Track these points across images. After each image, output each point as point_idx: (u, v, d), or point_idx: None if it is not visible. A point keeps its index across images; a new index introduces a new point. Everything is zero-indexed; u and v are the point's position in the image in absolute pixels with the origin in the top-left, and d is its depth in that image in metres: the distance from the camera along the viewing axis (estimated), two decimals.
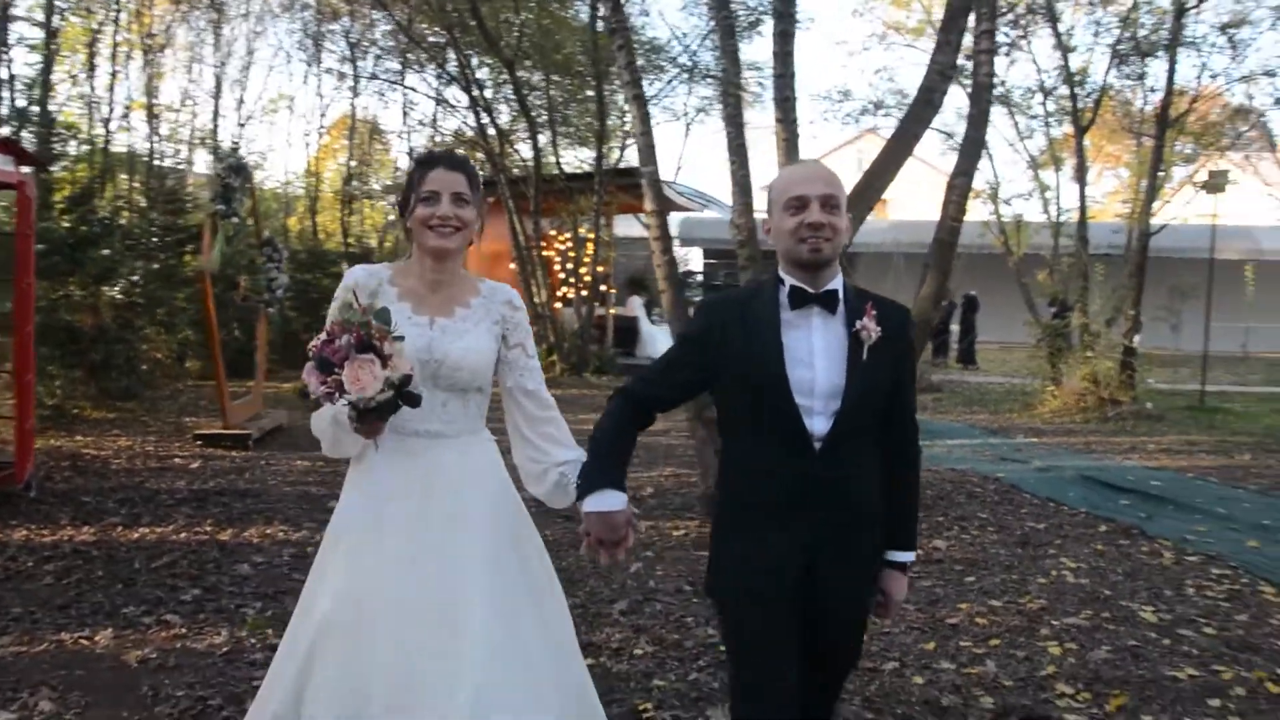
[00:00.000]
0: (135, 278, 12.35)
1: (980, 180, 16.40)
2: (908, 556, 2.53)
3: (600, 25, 16.76)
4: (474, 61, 18.84)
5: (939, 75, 6.49)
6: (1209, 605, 5.20)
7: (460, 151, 2.76)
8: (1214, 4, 16.94)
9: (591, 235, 18.84)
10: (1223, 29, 16.96)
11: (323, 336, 2.26)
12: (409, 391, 2.26)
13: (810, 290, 2.36)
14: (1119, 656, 4.42)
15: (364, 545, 2.45)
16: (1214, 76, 17.62)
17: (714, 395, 2.51)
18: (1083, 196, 16.70)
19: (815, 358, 2.34)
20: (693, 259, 33.58)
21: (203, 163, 22.90)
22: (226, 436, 9.26)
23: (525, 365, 2.66)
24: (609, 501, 2.35)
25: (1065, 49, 16.56)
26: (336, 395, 2.21)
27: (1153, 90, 18.70)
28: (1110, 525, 6.93)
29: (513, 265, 18.66)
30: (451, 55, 18.83)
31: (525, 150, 19.65)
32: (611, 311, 20.22)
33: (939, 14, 23.99)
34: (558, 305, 19.15)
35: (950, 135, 18.11)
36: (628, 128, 21.61)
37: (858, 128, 27.94)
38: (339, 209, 23.97)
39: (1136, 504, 7.62)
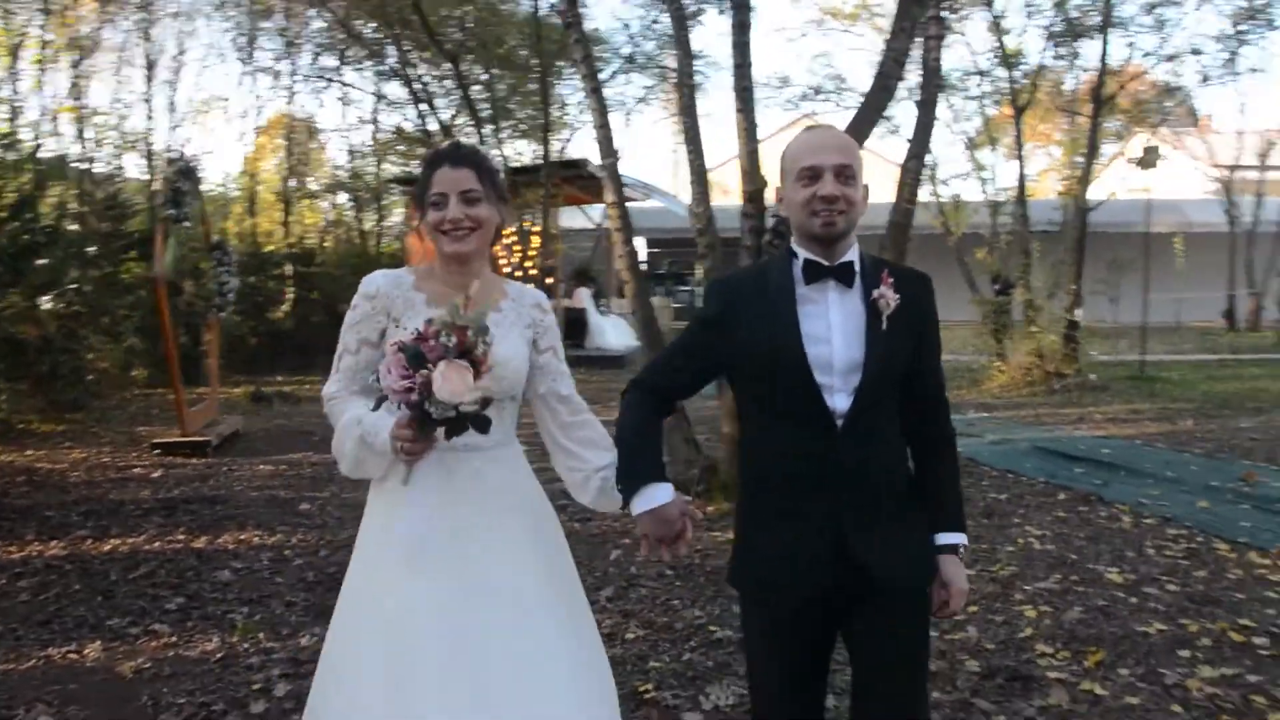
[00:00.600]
0: (78, 286, 12.12)
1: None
2: (958, 538, 2.34)
3: (542, 17, 16.77)
4: (415, 56, 18.70)
5: (895, 62, 6.63)
6: (1169, 564, 5.42)
7: (467, 141, 2.65)
8: None
9: (535, 228, 18.83)
10: (1150, 9, 17.44)
11: (411, 332, 2.09)
12: (485, 415, 2.10)
13: (825, 263, 2.24)
14: (1091, 616, 4.61)
15: (402, 587, 2.23)
16: (1145, 55, 18.07)
17: (730, 378, 2.40)
18: (1022, 175, 17.08)
19: (833, 333, 2.22)
20: (636, 249, 33.64)
21: (135, 167, 22.48)
22: (185, 444, 9.14)
23: (558, 370, 2.52)
24: (657, 496, 2.23)
25: (1000, 31, 16.89)
26: (416, 394, 2.01)
27: (1084, 70, 19.19)
28: (1069, 493, 7.16)
29: None
30: (391, 50, 18.68)
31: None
32: (560, 304, 20.25)
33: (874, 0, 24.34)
34: None
35: (889, 118, 18.36)
36: (570, 120, 21.67)
37: (797, 113, 28.32)
38: (277, 210, 23.63)
39: (1091, 472, 7.88)
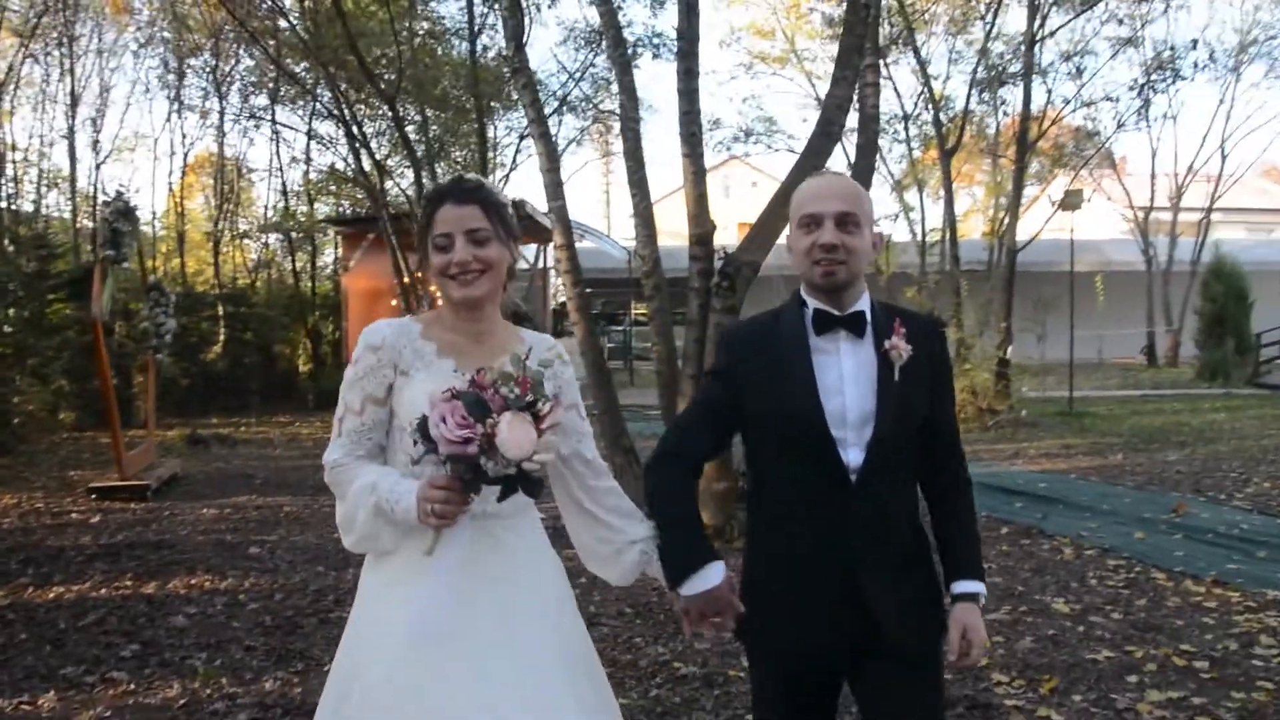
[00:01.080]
0: (3, 326, 11.85)
1: None
2: (977, 586, 2.24)
3: (479, 60, 16.90)
4: (351, 96, 18.67)
5: (837, 109, 6.85)
6: (1111, 593, 5.62)
7: (472, 176, 2.27)
8: (1064, 34, 18.19)
9: None
10: (1066, 57, 18.20)
11: (467, 377, 1.87)
12: (540, 476, 1.89)
13: (836, 313, 2.18)
14: (1042, 645, 4.77)
15: (413, 667, 2.01)
16: (1066, 102, 18.81)
17: (742, 433, 2.30)
18: (951, 216, 17.60)
19: (845, 384, 2.15)
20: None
21: (59, 206, 22.02)
22: (123, 488, 8.94)
23: (582, 429, 2.30)
24: (711, 578, 2.11)
25: (928, 77, 17.46)
26: (475, 447, 1.79)
27: (1006, 115, 19.93)
28: (1011, 526, 7.38)
29: (395, 302, 18.50)
30: (324, 89, 18.61)
31: (405, 184, 19.54)
32: None
33: (802, 44, 24.94)
34: None
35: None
36: (504, 160, 21.77)
37: (726, 154, 28.81)
38: (206, 250, 23.31)
39: (1030, 505, 8.12)
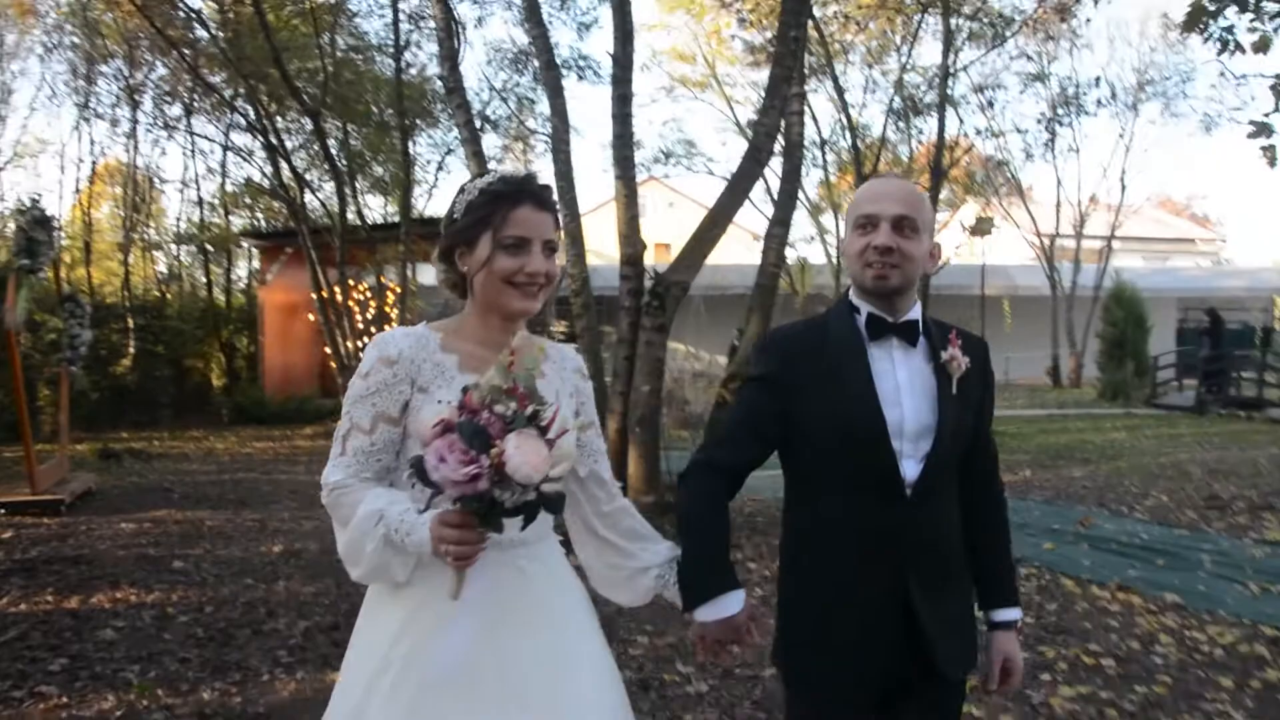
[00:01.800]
0: None
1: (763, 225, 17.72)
2: (1016, 614, 2.20)
3: (404, 77, 16.91)
4: (272, 108, 18.47)
5: (766, 136, 7.08)
6: (1025, 599, 5.89)
7: (538, 176, 2.03)
8: (976, 69, 18.96)
9: (390, 284, 18.80)
10: (978, 89, 18.91)
11: (452, 402, 1.68)
12: (560, 491, 1.69)
13: (889, 319, 2.09)
14: None
15: None
16: (978, 132, 19.56)
17: (783, 445, 2.15)
18: None
19: (902, 395, 2.05)
20: None
21: None
22: (35, 503, 8.71)
23: (598, 448, 2.18)
24: (729, 606, 2.01)
25: (846, 105, 17.97)
26: (486, 481, 1.59)
27: (920, 142, 20.62)
28: None
29: (312, 316, 18.31)
30: (245, 104, 18.40)
31: (325, 198, 19.39)
32: None
33: (723, 69, 25.40)
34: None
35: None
36: (426, 178, 21.74)
37: (646, 175, 29.16)
38: (114, 260, 22.74)
39: None
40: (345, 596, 5.74)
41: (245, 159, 21.84)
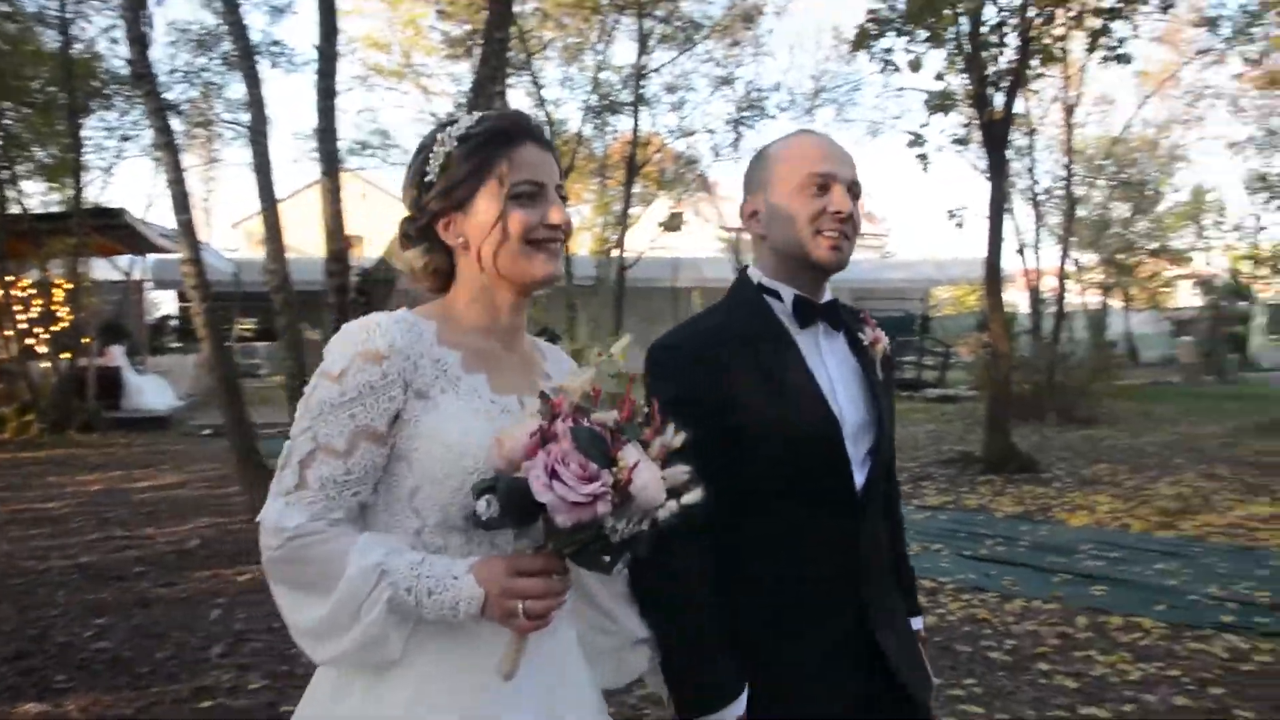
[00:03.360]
0: None
1: None
2: (920, 623, 1.98)
3: (74, 54, 15.58)
4: None
5: None
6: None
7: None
8: (668, 70, 20.07)
9: (57, 281, 17.32)
10: (670, 90, 20.00)
11: (541, 411, 1.31)
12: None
13: (816, 301, 1.79)
14: None
15: None
16: (670, 131, 20.66)
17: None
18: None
19: (835, 387, 1.76)
20: (165, 303, 31.61)
21: None
22: None
23: None
24: (734, 712, 1.66)
25: (543, 101, 18.47)
26: (607, 505, 1.25)
27: (614, 139, 21.50)
28: None
29: None
30: None
31: None
32: (92, 363, 18.50)
33: (418, 58, 25.21)
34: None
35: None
36: (105, 165, 20.06)
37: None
38: None
39: None
40: (32, 622, 5.39)
41: None
